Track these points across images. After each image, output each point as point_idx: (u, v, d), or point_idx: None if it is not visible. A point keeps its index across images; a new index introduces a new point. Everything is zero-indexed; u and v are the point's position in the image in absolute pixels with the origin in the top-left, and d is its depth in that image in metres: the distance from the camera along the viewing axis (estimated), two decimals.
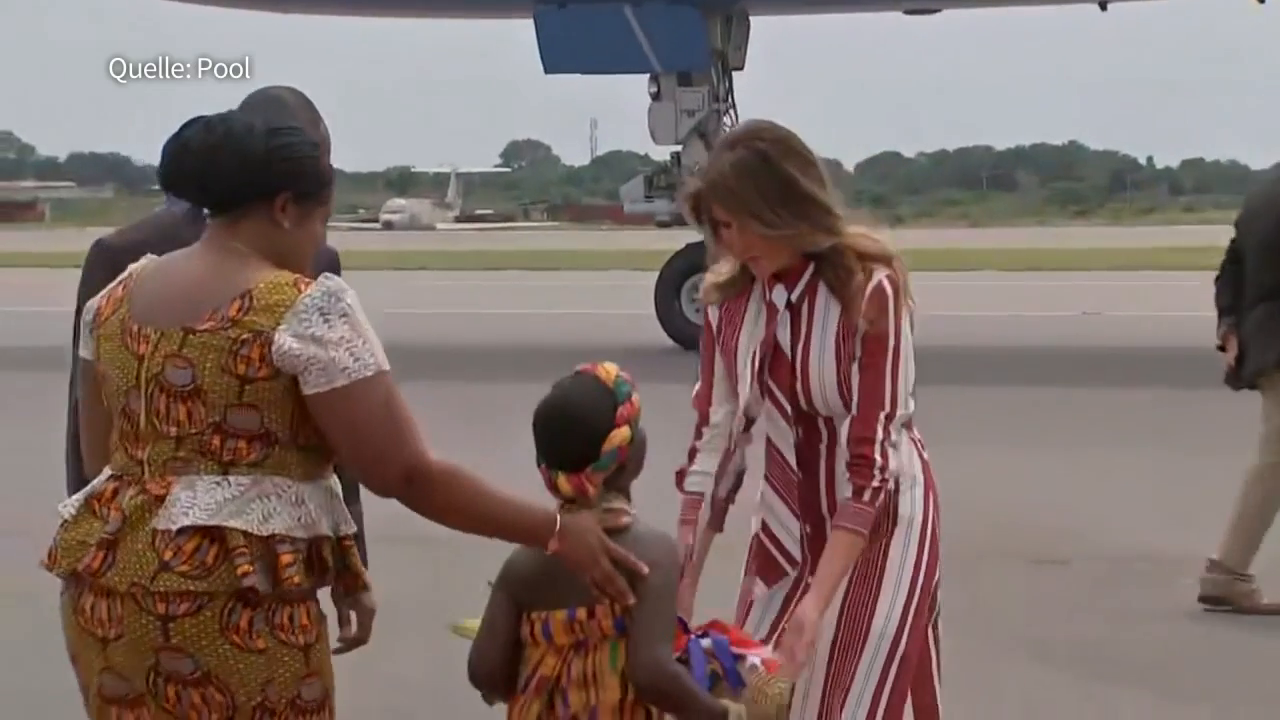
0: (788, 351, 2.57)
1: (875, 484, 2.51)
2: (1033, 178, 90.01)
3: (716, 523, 2.67)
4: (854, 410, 2.54)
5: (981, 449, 8.28)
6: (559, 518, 2.26)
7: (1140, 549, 6.29)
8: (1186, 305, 18.76)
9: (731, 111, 14.44)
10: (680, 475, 2.69)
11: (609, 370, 2.35)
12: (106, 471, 2.24)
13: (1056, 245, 35.59)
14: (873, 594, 2.59)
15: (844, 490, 2.56)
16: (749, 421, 2.65)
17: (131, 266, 2.31)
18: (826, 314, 2.55)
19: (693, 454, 2.66)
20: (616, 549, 2.27)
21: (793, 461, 2.62)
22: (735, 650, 2.40)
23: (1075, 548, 6.31)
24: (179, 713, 2.15)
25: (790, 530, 2.64)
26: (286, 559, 2.15)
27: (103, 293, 2.29)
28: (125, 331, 2.21)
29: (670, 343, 13.32)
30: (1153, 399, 10.77)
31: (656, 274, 14.15)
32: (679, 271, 13.69)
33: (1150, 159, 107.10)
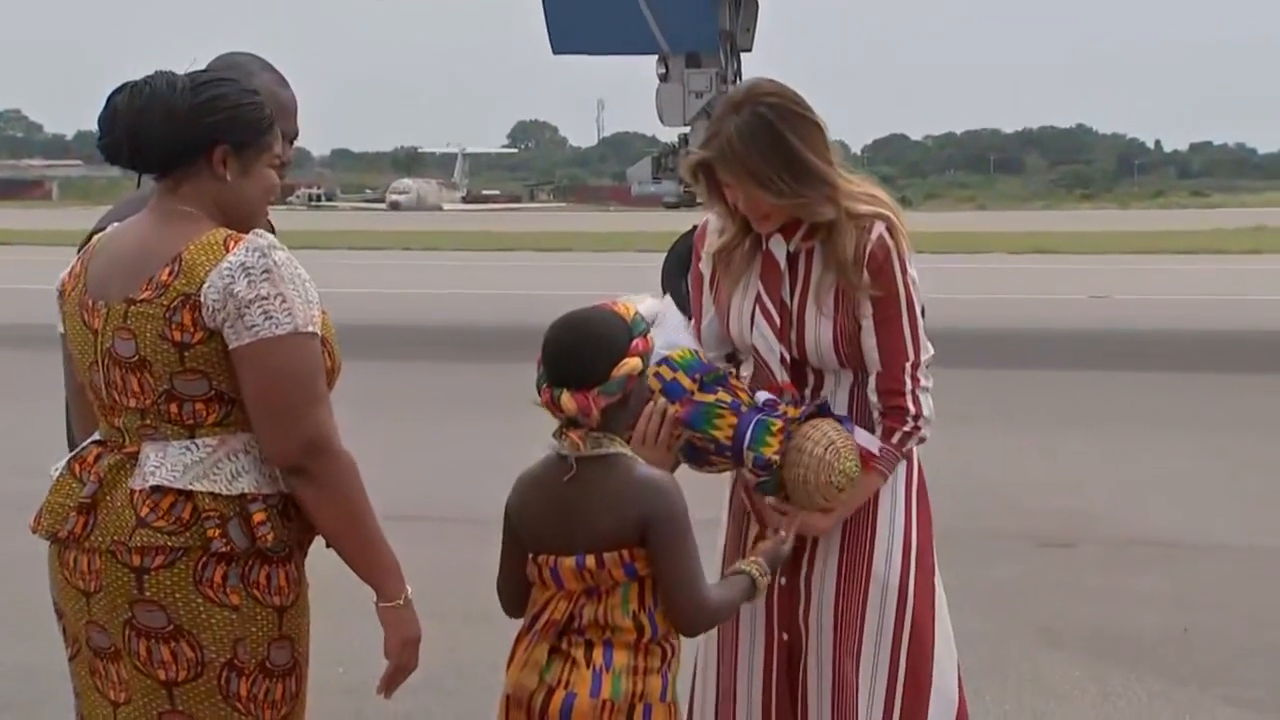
0: (786, 301, 2.57)
1: (907, 429, 2.56)
2: (1040, 161, 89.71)
3: None
4: (879, 366, 2.55)
5: (988, 432, 8.27)
6: (409, 590, 2.22)
7: (1146, 532, 6.28)
8: (1193, 289, 18.73)
9: None
10: None
11: (628, 306, 2.36)
12: (94, 437, 2.24)
13: (1064, 229, 35.48)
14: (868, 547, 2.59)
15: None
16: (738, 364, 2.67)
17: (93, 239, 2.30)
18: (824, 269, 2.56)
19: None
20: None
21: None
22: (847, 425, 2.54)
23: (1081, 530, 6.30)
24: (148, 670, 2.14)
25: None
26: (259, 517, 2.13)
27: (66, 268, 2.28)
28: (82, 307, 2.21)
29: None
30: (1159, 382, 10.72)
31: (663, 255, 14.14)
32: (685, 253, 13.63)
33: (1158, 142, 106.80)
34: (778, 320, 2.55)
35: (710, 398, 2.49)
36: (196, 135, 2.16)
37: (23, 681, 4.38)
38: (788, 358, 2.57)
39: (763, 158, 2.45)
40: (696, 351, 2.54)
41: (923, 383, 2.56)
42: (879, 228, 2.52)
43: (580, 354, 2.29)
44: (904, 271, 2.53)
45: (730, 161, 2.47)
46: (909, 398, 2.54)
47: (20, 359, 11.25)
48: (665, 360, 2.49)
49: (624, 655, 2.28)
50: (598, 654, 2.28)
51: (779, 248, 2.56)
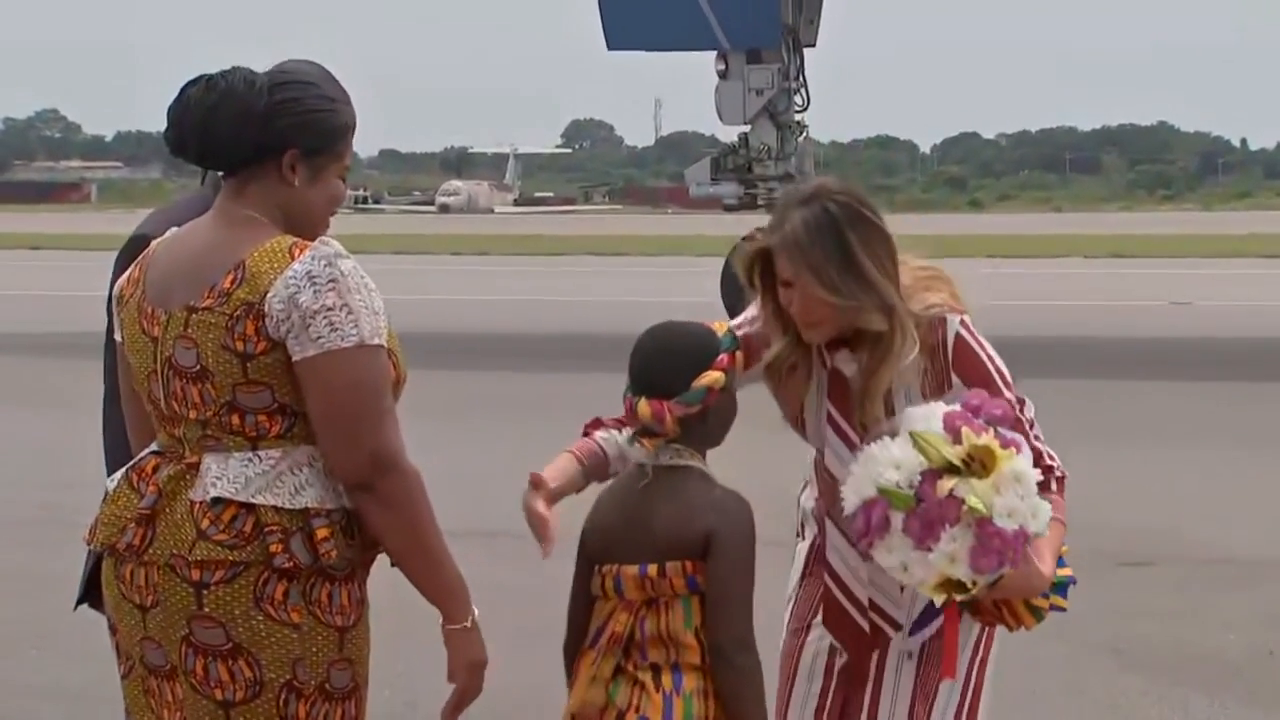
0: (864, 422, 2.52)
1: (1058, 475, 2.65)
2: (1119, 160, 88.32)
3: (600, 475, 2.52)
4: None
5: (1062, 444, 7.92)
6: (475, 613, 2.18)
7: (1226, 551, 6.09)
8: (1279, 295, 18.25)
9: (803, 90, 14.12)
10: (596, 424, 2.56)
11: (721, 324, 2.44)
12: (151, 447, 2.20)
13: (1144, 231, 34.94)
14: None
15: None
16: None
17: (151, 244, 2.25)
18: (884, 372, 2.50)
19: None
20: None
21: None
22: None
23: (1159, 549, 6.12)
24: (204, 689, 2.10)
25: (854, 570, 2.57)
26: (323, 533, 2.09)
27: (125, 274, 2.24)
28: (141, 314, 2.17)
29: None
30: (1242, 394, 10.46)
31: (722, 260, 13.93)
32: None
33: (1244, 140, 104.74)
34: (858, 442, 2.50)
35: None
36: (269, 137, 2.13)
37: (67, 702, 4.31)
38: None
39: (825, 254, 2.43)
40: None
41: (1027, 426, 2.59)
42: (953, 322, 2.50)
43: (661, 361, 2.33)
44: (988, 354, 2.53)
45: (792, 253, 2.44)
46: (1044, 455, 2.60)
47: (62, 369, 11.21)
48: None
49: (693, 678, 2.28)
50: (666, 678, 2.27)
51: (847, 364, 2.51)
